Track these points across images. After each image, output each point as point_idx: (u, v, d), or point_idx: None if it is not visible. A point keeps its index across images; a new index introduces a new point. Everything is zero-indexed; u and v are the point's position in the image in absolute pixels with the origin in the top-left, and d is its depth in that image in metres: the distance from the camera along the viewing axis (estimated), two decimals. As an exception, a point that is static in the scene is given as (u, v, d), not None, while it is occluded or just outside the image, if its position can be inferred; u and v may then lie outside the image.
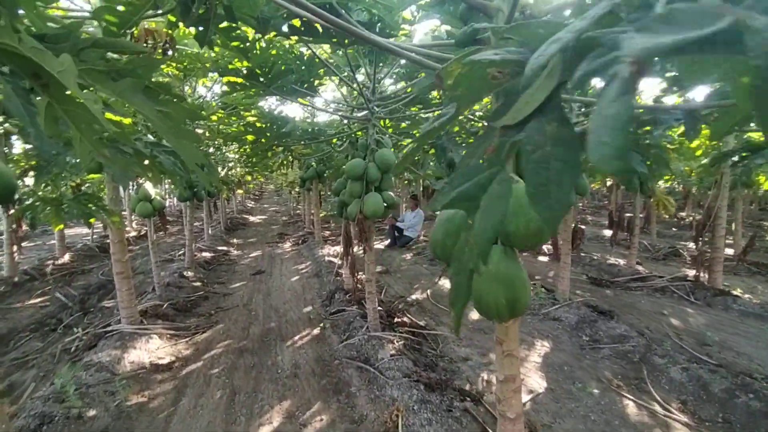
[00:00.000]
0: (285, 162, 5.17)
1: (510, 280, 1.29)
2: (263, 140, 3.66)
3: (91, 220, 2.65)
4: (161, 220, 4.98)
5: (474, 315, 4.46)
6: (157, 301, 4.49)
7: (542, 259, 7.33)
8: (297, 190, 15.23)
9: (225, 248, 8.44)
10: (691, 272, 5.58)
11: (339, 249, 8.07)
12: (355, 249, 4.08)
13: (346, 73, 3.48)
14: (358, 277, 4.00)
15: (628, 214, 6.24)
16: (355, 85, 3.28)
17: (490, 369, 3.23)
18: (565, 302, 4.39)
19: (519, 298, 1.29)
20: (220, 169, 10.42)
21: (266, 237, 10.25)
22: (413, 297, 5.16)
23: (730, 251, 6.80)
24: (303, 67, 3.17)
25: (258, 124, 3.44)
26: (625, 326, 3.71)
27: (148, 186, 4.48)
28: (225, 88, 2.98)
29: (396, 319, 4.16)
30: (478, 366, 3.28)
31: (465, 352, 3.53)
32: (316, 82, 3.42)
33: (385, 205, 3.34)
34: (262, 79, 2.77)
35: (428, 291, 5.37)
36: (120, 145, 1.76)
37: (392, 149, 3.44)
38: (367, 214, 3.25)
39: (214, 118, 4.27)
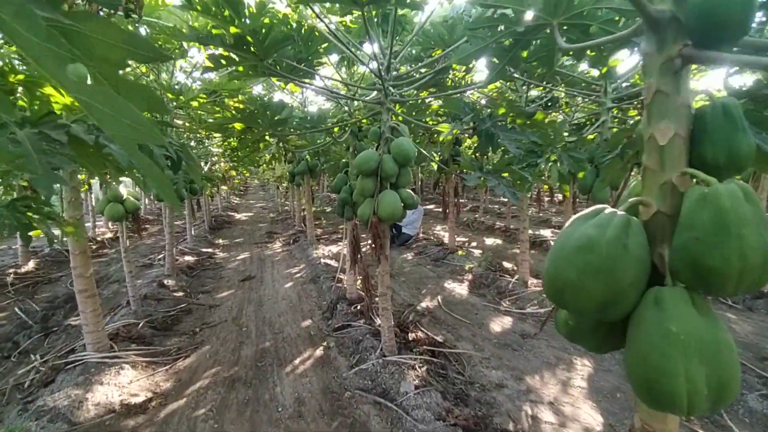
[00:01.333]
0: (277, 155, 4.58)
1: (712, 347, 0.75)
2: (254, 129, 3.07)
3: (35, 233, 2.04)
4: (136, 224, 4.35)
5: (495, 326, 3.96)
6: (131, 318, 3.87)
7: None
8: (285, 185, 14.58)
9: (210, 250, 7.79)
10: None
11: (335, 249, 7.50)
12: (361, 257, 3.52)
13: (355, 49, 2.91)
14: (371, 288, 3.45)
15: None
16: (369, 61, 2.71)
17: (531, 399, 2.73)
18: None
19: (728, 378, 0.77)
20: (203, 164, 9.73)
21: (254, 236, 9.61)
22: (423, 305, 4.63)
23: None
24: (300, 42, 2.60)
25: (248, 110, 2.85)
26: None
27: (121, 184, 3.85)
28: (207, 64, 2.37)
29: (411, 335, 3.64)
30: (516, 395, 2.78)
31: (497, 376, 3.03)
32: (315, 61, 2.85)
33: (403, 205, 2.80)
34: (253, 50, 2.18)
35: (439, 298, 4.85)
36: (49, 128, 1.18)
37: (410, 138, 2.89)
38: (383, 217, 2.70)
39: (194, 104, 3.64)
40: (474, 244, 8.13)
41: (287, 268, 6.36)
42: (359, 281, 4.73)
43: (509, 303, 4.58)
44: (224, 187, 12.76)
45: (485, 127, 2.15)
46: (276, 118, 2.96)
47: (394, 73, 2.93)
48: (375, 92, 3.20)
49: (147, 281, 5.04)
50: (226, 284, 5.58)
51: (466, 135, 5.54)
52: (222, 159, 10.33)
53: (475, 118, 2.08)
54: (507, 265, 6.11)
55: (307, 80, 2.95)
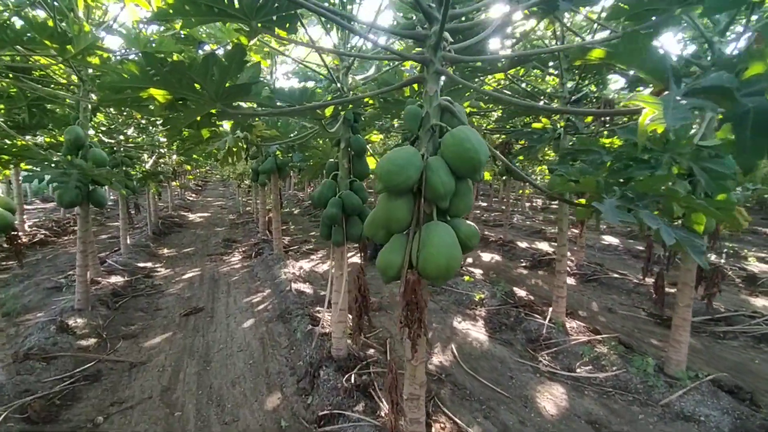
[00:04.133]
0: (236, 150, 3.20)
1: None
2: (190, 103, 1.74)
3: None
4: (13, 244, 2.88)
5: (545, 402, 2.79)
6: (-12, 404, 2.41)
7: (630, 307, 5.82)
8: (247, 183, 12.98)
9: (149, 265, 6.23)
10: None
11: (308, 266, 6.13)
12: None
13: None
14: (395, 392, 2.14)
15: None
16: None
17: None
18: (686, 382, 2.82)
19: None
20: (146, 156, 8.08)
21: (208, 245, 8.06)
22: (436, 360, 3.40)
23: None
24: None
25: (175, 65, 1.50)
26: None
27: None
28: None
29: (433, 427, 2.41)
30: None
31: None
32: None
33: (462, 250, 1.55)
34: None
35: (452, 347, 3.64)
36: None
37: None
38: (430, 273, 1.45)
39: (93, 59, 2.23)
40: (469, 260, 7.00)
41: (248, 295, 4.95)
42: (350, 330, 3.45)
43: (549, 358, 3.43)
44: (176, 184, 11.05)
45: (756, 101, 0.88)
46: (230, 83, 1.64)
47: (452, 8, 1.65)
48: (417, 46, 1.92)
49: (43, 323, 3.52)
50: (163, 322, 4.12)
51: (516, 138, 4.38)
52: (172, 150, 8.69)
53: (715, 81, 0.87)
54: (519, 292, 5.01)
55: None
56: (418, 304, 1.50)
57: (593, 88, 4.03)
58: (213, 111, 1.88)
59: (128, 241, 6.54)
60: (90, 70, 3.35)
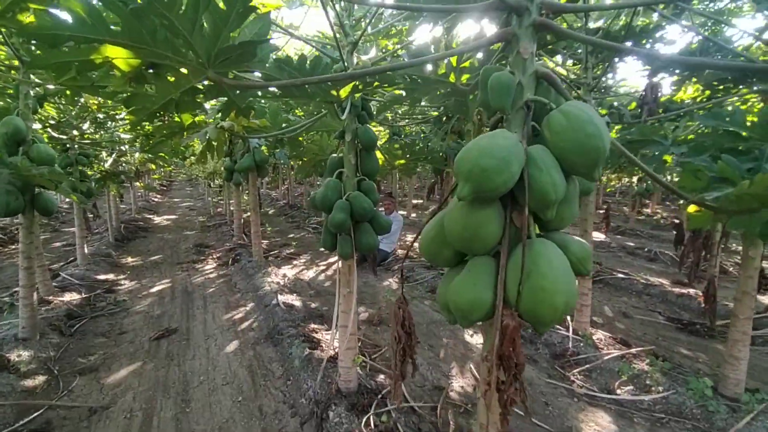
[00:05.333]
0: (217, 145, 2.63)
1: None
2: (166, 75, 1.21)
3: None
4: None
5: (599, 439, 2.39)
6: None
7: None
8: (218, 182, 12.17)
9: (110, 277, 5.50)
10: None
11: (292, 273, 5.56)
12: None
13: None
14: None
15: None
16: None
17: None
18: (753, 405, 2.49)
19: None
20: (105, 154, 7.28)
21: (178, 251, 7.34)
22: (457, 385, 2.96)
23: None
24: None
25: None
26: None
27: None
28: None
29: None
30: None
31: None
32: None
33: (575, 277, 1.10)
34: None
35: (471, 367, 3.21)
36: None
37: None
38: (541, 315, 0.99)
39: (26, 17, 1.64)
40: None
41: (227, 310, 4.36)
42: (361, 358, 2.96)
43: (582, 377, 3.05)
44: (139, 184, 10.17)
45: None
46: (230, 42, 1.12)
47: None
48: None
49: (-25, 359, 2.85)
50: (129, 348, 3.49)
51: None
52: (134, 147, 7.87)
53: None
54: None
55: None
56: (517, 360, 1.04)
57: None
58: (199, 87, 1.35)
59: (86, 250, 5.78)
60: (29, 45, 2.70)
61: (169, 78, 1.23)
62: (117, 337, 3.69)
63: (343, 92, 1.85)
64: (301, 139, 3.24)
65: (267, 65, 1.37)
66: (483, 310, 1.06)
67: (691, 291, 4.79)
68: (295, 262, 6.51)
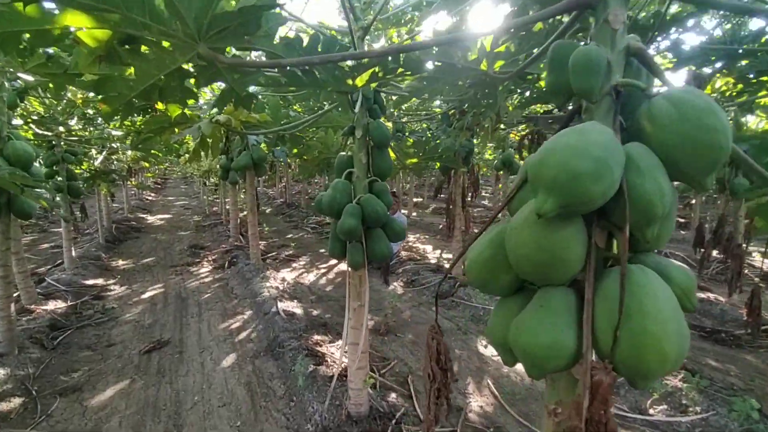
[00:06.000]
0: (214, 140, 2.36)
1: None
2: (147, 47, 0.93)
3: None
4: None
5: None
6: None
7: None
8: (214, 180, 11.86)
9: (100, 282, 5.21)
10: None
11: (291, 277, 5.29)
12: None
13: None
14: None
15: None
16: None
17: None
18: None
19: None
20: (94, 152, 6.97)
21: (171, 254, 7.04)
22: (475, 404, 2.71)
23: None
24: None
25: None
26: None
27: None
28: None
29: None
30: None
31: None
32: None
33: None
34: None
35: (489, 382, 2.97)
36: None
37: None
38: (646, 367, 0.73)
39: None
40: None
41: (224, 319, 4.09)
42: (372, 378, 2.69)
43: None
44: (132, 183, 9.84)
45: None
46: (230, 8, 0.85)
47: None
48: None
49: (-57, 379, 2.57)
50: (116, 363, 3.21)
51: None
52: (126, 145, 7.55)
53: None
54: None
55: None
56: (608, 428, 0.78)
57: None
58: (186, 66, 1.08)
59: (74, 253, 5.48)
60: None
61: (149, 55, 0.96)
62: (104, 350, 3.42)
63: (360, 81, 1.58)
64: (302, 135, 2.97)
65: (274, 42, 1.10)
66: (564, 358, 0.80)
67: (711, 295, 4.57)
68: (294, 265, 6.24)
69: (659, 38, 2.75)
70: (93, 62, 0.98)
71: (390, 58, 1.42)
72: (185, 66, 1.01)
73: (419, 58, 1.46)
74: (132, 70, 1.03)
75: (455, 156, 4.23)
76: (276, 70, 1.27)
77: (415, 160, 2.95)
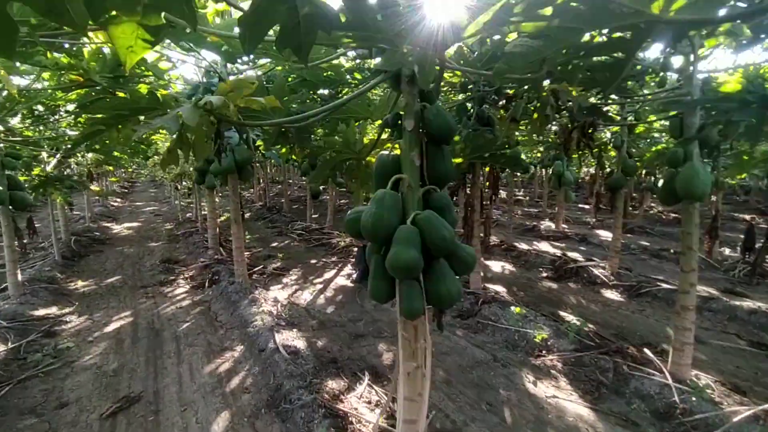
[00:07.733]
0: (199, 135, 1.65)
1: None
2: None
3: None
4: None
5: None
6: None
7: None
8: (186, 184, 10.85)
9: (53, 311, 4.33)
10: None
11: (282, 296, 4.54)
12: None
13: None
14: None
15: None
16: None
17: None
18: None
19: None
20: (45, 155, 6.01)
21: (141, 270, 6.15)
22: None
23: None
24: None
25: None
26: None
27: None
28: None
29: None
30: None
31: None
32: None
33: None
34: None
35: (560, 441, 2.34)
36: None
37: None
38: None
39: None
40: (480, 273, 5.76)
41: (209, 359, 3.32)
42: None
43: (716, 452, 2.23)
44: (94, 189, 8.81)
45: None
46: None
47: None
48: None
49: None
50: (69, 434, 2.43)
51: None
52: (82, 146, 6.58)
53: None
54: (563, 314, 3.91)
55: None
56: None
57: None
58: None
59: (20, 277, 4.57)
60: None
61: None
62: (52, 415, 2.61)
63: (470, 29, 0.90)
64: (315, 129, 2.27)
65: None
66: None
67: (762, 306, 4.11)
68: (285, 280, 5.48)
69: None
70: None
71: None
72: None
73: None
74: None
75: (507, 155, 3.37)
76: None
77: (459, 160, 2.30)
